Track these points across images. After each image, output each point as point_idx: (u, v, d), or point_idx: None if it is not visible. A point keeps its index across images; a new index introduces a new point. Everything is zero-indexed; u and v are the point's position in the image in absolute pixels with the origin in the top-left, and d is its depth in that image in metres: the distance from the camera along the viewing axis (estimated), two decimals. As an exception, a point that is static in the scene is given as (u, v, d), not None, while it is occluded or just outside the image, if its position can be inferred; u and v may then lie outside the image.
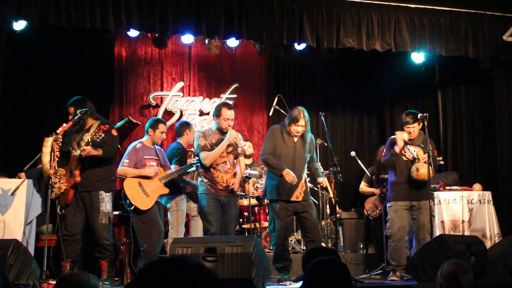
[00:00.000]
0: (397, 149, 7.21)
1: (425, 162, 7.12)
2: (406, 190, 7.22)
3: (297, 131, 6.85)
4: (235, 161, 7.10)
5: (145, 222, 6.94)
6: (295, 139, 6.92)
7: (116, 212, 7.40)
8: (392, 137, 7.56)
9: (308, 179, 7.37)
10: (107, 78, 9.83)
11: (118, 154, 7.42)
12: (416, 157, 7.20)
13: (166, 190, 7.19)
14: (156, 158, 7.19)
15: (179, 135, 8.10)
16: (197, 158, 7.11)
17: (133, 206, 6.87)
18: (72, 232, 6.57)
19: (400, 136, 7.27)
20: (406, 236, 7.39)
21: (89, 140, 6.38)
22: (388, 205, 7.34)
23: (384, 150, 7.55)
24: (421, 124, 7.35)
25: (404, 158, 7.28)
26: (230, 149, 6.97)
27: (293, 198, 6.79)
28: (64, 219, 6.58)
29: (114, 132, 6.74)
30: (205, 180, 6.87)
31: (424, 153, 7.20)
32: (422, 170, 7.09)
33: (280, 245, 6.88)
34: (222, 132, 6.96)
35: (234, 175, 7.02)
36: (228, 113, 6.92)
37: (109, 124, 6.86)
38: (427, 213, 7.20)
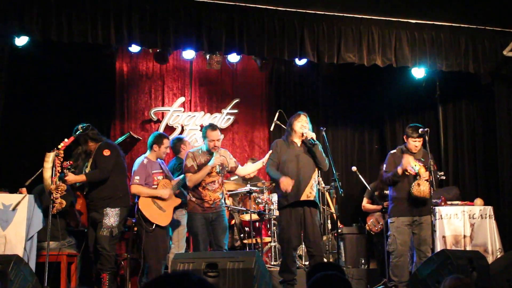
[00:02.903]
0: (399, 170, 7.13)
1: (426, 180, 7.06)
2: (408, 205, 7.17)
3: (301, 125, 6.87)
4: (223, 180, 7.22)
5: (155, 237, 6.93)
6: (299, 143, 6.93)
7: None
8: (392, 151, 7.52)
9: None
10: (109, 93, 9.87)
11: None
12: (417, 172, 7.13)
13: (179, 201, 7.22)
14: (161, 171, 7.19)
15: (177, 153, 8.10)
16: None
17: (154, 225, 6.88)
18: (91, 249, 6.93)
19: (407, 161, 7.16)
20: (408, 251, 7.35)
21: (70, 168, 6.48)
22: (389, 220, 7.29)
23: (385, 165, 7.47)
24: (423, 138, 7.33)
25: (406, 173, 7.24)
26: (219, 169, 7.02)
27: (303, 198, 6.73)
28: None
29: (106, 152, 6.78)
30: (193, 199, 6.95)
31: (426, 170, 7.13)
32: (422, 187, 7.03)
33: (285, 256, 6.88)
34: (210, 152, 7.02)
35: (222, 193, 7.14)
36: (213, 134, 6.98)
37: (103, 145, 6.87)
38: (428, 228, 7.14)
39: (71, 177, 6.51)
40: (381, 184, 8.63)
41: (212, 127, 7.11)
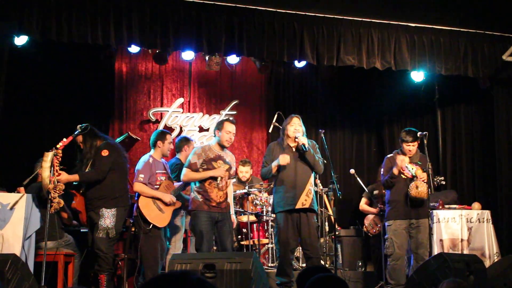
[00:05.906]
0: (395, 171, 7.17)
1: (424, 181, 7.09)
2: (405, 208, 7.17)
3: (294, 129, 6.83)
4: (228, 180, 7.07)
5: (152, 238, 6.87)
6: (294, 149, 6.91)
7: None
8: (389, 155, 7.53)
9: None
10: (107, 93, 9.88)
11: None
12: (415, 175, 7.16)
13: (179, 204, 7.17)
14: (165, 172, 7.16)
15: (178, 151, 8.08)
16: None
17: (151, 225, 6.84)
18: (90, 248, 6.87)
19: (400, 160, 7.19)
20: (405, 255, 7.35)
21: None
22: (386, 223, 7.30)
23: (382, 169, 7.49)
24: (419, 142, 7.34)
25: (403, 176, 7.23)
26: (227, 167, 6.98)
27: (299, 206, 6.70)
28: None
29: (104, 153, 6.68)
30: (199, 196, 6.79)
31: (423, 171, 7.17)
32: (421, 188, 7.06)
33: (282, 257, 6.83)
34: (221, 146, 6.95)
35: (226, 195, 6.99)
36: (230, 127, 6.91)
37: (103, 145, 6.80)
38: (426, 231, 7.16)
39: (64, 176, 6.44)
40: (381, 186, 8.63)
41: (230, 120, 7.06)
